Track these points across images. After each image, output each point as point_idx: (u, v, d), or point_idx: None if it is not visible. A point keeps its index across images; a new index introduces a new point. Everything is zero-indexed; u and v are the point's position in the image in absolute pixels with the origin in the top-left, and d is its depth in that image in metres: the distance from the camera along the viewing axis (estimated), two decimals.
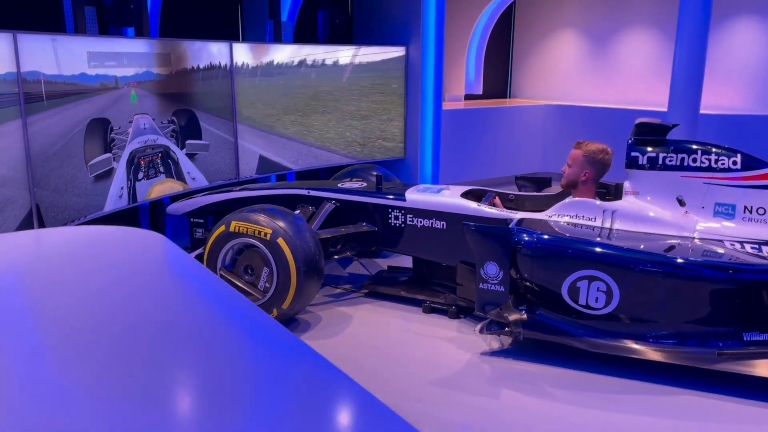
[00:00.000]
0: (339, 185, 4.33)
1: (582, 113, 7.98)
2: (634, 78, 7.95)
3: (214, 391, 1.07)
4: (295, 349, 1.25)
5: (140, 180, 4.70)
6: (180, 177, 5.09)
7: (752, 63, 6.80)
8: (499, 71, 9.26)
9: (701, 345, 3.03)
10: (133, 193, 4.65)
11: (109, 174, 4.43)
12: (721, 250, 3.18)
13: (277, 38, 6.13)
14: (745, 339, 3.00)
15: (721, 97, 6.52)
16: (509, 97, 9.41)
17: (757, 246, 3.19)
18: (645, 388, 3.04)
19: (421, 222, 3.88)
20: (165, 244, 1.90)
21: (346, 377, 1.14)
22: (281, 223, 3.58)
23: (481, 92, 8.71)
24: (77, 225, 4.09)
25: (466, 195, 3.90)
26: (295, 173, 6.38)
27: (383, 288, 4.15)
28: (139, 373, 1.12)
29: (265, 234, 3.55)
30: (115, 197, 4.49)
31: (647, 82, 7.78)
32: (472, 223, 3.36)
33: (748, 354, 2.98)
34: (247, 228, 3.61)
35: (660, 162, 3.42)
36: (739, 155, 3.32)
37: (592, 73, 8.42)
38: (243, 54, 5.43)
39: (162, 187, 4.91)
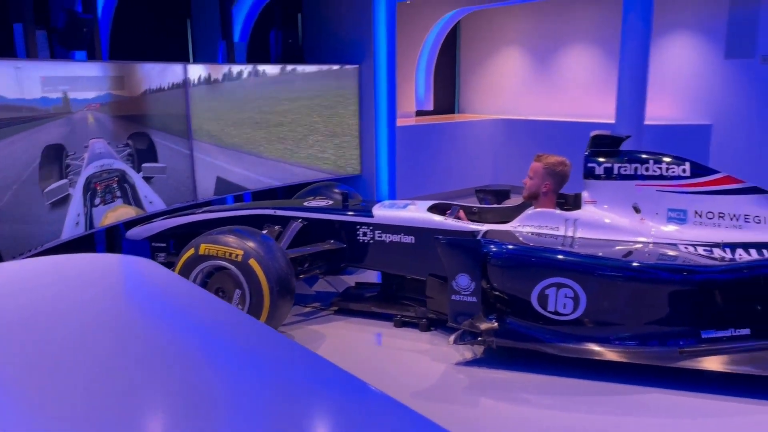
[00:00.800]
0: (305, 204, 4.35)
1: (529, 126, 8.26)
2: (576, 91, 8.30)
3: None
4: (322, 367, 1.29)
5: (97, 206, 4.59)
6: (137, 201, 4.99)
7: (685, 75, 7.22)
8: (446, 88, 9.47)
9: (663, 344, 3.19)
10: (90, 220, 4.53)
11: (65, 201, 4.31)
12: (675, 254, 3.37)
13: (231, 59, 6.12)
14: (702, 337, 3.17)
15: (659, 108, 6.88)
16: (457, 113, 9.63)
17: (708, 248, 3.39)
18: (613, 388, 3.17)
19: (389, 237, 3.94)
20: (159, 269, 1.89)
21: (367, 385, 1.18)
22: (252, 244, 3.57)
23: (431, 108, 8.89)
24: (34, 254, 3.96)
25: (431, 209, 3.99)
26: (251, 194, 6.35)
27: (353, 304, 4.18)
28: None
29: (236, 255, 3.53)
30: (72, 224, 4.37)
31: (589, 96, 8.13)
32: (442, 237, 3.45)
33: (706, 351, 3.15)
34: (218, 250, 3.59)
35: (615, 172, 3.60)
36: (687, 163, 3.54)
37: (536, 88, 8.74)
38: (197, 75, 5.39)
39: (115, 213, 4.80)
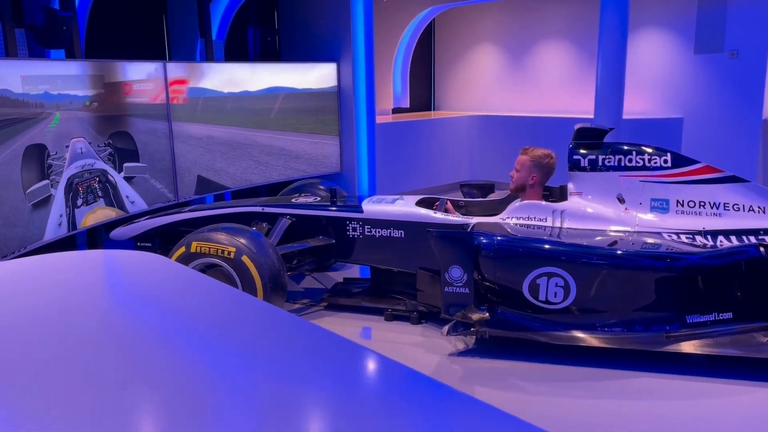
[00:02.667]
0: (293, 200, 4.35)
1: (505, 122, 8.38)
2: (551, 87, 8.44)
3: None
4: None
5: (79, 206, 4.53)
6: (119, 201, 4.93)
7: (656, 70, 7.41)
8: (422, 85, 9.54)
9: (650, 330, 3.29)
10: (72, 220, 4.47)
11: (47, 201, 4.24)
12: (659, 242, 3.48)
13: (209, 57, 6.08)
14: (688, 321, 3.28)
15: (632, 102, 7.05)
16: (434, 110, 9.71)
17: (691, 236, 3.51)
18: (603, 373, 3.26)
19: (379, 232, 3.97)
20: (172, 265, 1.89)
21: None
22: (243, 241, 3.57)
23: (408, 105, 8.94)
24: (17, 256, 3.89)
25: (420, 203, 4.04)
26: (231, 192, 6.32)
27: (343, 299, 4.20)
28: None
29: (229, 252, 3.53)
30: (54, 225, 4.30)
31: (564, 91, 8.28)
32: (434, 230, 3.49)
33: (691, 335, 3.26)
34: (209, 248, 3.58)
35: (600, 164, 3.69)
36: (668, 154, 3.65)
37: (511, 84, 8.86)
38: (176, 73, 5.35)
39: (94, 215, 4.74)
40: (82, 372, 1.20)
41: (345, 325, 3.97)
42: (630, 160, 3.67)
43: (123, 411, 1.07)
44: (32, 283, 1.75)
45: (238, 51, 6.59)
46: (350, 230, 4.05)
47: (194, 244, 3.63)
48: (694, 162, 3.65)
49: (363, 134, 6.82)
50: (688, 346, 3.25)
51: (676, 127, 7.15)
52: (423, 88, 9.58)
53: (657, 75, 7.39)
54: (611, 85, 5.08)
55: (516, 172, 3.90)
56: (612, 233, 3.59)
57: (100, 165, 4.73)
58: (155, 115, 5.20)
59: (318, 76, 6.56)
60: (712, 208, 3.57)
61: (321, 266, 4.59)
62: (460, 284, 3.41)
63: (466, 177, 8.39)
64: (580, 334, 3.31)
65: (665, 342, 3.25)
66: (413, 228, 3.86)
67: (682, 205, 3.61)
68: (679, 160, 3.65)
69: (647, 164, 3.65)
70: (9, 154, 3.90)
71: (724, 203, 3.55)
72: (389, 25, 8.49)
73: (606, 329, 3.31)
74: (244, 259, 3.50)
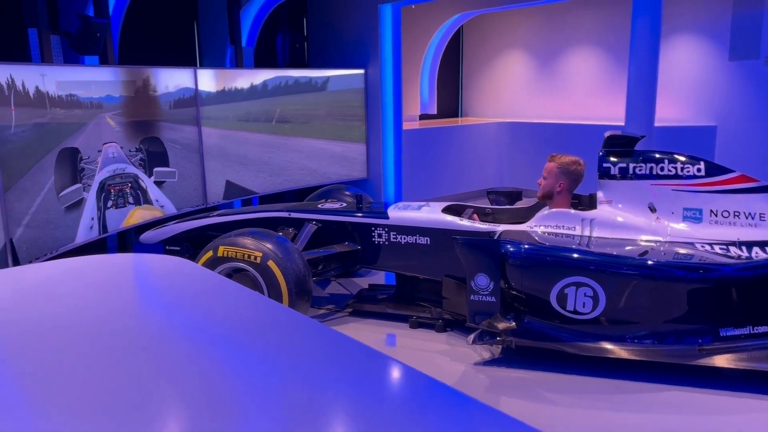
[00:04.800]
0: (319, 206, 4.36)
1: (532, 129, 8.30)
2: (580, 94, 8.34)
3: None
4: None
5: (109, 209, 4.60)
6: (147, 205, 5.00)
7: (689, 77, 7.27)
8: (450, 91, 9.51)
9: (682, 342, 3.21)
10: (103, 224, 4.54)
11: (79, 205, 4.32)
12: (692, 252, 3.40)
13: (239, 63, 6.14)
14: (721, 335, 3.20)
15: (664, 110, 6.92)
16: (461, 116, 9.67)
17: (725, 246, 3.42)
18: (632, 386, 3.19)
19: (405, 239, 3.95)
20: (181, 263, 1.92)
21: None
22: (270, 246, 3.59)
23: (435, 112, 8.92)
24: (50, 258, 3.97)
25: (446, 210, 4.01)
26: (258, 197, 6.37)
27: (368, 306, 4.19)
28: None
29: (255, 257, 3.55)
30: (86, 228, 4.38)
31: (594, 98, 8.18)
32: (460, 237, 3.46)
33: (725, 349, 3.18)
34: (236, 252, 3.60)
35: (631, 172, 3.63)
36: (702, 163, 3.57)
37: (540, 91, 8.78)
38: (207, 79, 5.42)
39: (142, 212, 4.84)
40: (109, 373, 1.22)
41: (369, 332, 3.95)
42: (662, 169, 3.60)
43: (149, 412, 1.08)
44: (63, 285, 1.78)
45: (267, 58, 6.65)
46: (376, 236, 4.04)
47: (221, 248, 3.65)
48: (729, 171, 3.56)
49: (390, 140, 6.82)
50: (722, 360, 3.17)
51: (710, 136, 7.00)
52: (450, 95, 9.55)
53: (690, 82, 7.26)
54: (643, 91, 4.99)
55: (543, 180, 3.85)
56: (643, 243, 3.52)
57: (132, 169, 4.80)
58: (185, 121, 5.26)
59: (346, 82, 6.58)
60: (747, 218, 3.48)
61: (346, 272, 4.58)
62: (486, 292, 3.38)
63: (493, 184, 8.33)
64: (609, 346, 3.24)
65: (698, 355, 3.17)
66: (439, 235, 3.83)
67: (716, 215, 3.52)
68: (714, 169, 3.57)
69: (680, 173, 3.57)
70: (43, 158, 3.97)
71: (760, 213, 3.46)
72: (417, 31, 8.49)
73: (636, 341, 3.24)
74: (270, 264, 3.51)
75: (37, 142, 3.92)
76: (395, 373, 1.30)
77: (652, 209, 3.61)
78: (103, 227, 4.53)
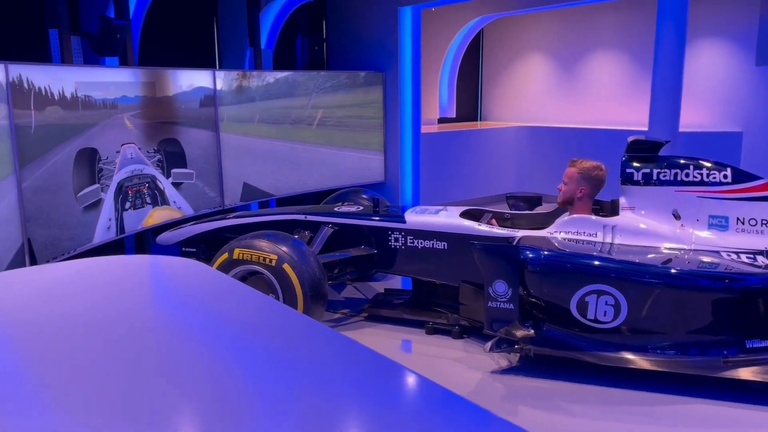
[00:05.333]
0: (335, 209, 4.32)
1: (553, 133, 8.20)
2: (603, 98, 8.22)
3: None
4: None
5: (127, 210, 4.61)
6: (166, 206, 5.00)
7: (715, 82, 7.13)
8: (469, 95, 9.44)
9: (706, 354, 3.12)
10: (120, 224, 4.55)
11: (97, 205, 4.33)
12: (717, 261, 3.30)
13: (258, 65, 6.14)
14: (747, 346, 3.10)
15: (689, 115, 6.79)
16: (480, 120, 9.59)
17: (752, 255, 3.32)
18: (653, 398, 3.10)
19: (422, 243, 3.90)
20: (196, 266, 1.89)
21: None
22: (285, 249, 3.56)
23: (454, 115, 8.86)
24: (67, 258, 3.98)
25: (464, 215, 3.95)
26: (276, 200, 6.35)
27: (383, 311, 4.14)
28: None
29: (270, 260, 3.52)
30: (103, 228, 4.39)
31: (616, 102, 8.05)
32: (478, 243, 3.40)
33: (751, 361, 3.08)
34: (251, 255, 3.57)
35: (654, 178, 3.53)
36: (729, 169, 3.46)
37: (561, 95, 8.67)
38: (225, 81, 5.42)
39: (161, 213, 4.85)
40: (122, 374, 1.22)
41: (385, 338, 3.90)
42: (687, 175, 3.50)
43: (160, 414, 1.08)
44: (79, 285, 1.77)
45: (286, 60, 6.64)
46: (392, 240, 3.99)
47: (237, 250, 3.63)
48: (757, 178, 3.45)
49: (408, 144, 6.77)
50: (747, 373, 3.07)
51: (735, 142, 6.85)
52: (470, 98, 9.48)
53: (715, 87, 7.11)
54: (667, 96, 4.88)
55: (564, 185, 3.78)
56: (666, 251, 3.43)
57: (150, 171, 4.81)
58: (204, 123, 5.27)
59: (364, 84, 6.55)
60: None
61: (362, 276, 4.54)
62: (504, 299, 3.31)
63: (513, 189, 8.24)
64: (630, 356, 3.16)
65: (722, 367, 3.07)
66: (457, 240, 3.77)
67: (743, 223, 3.42)
68: (741, 176, 3.46)
69: (705, 179, 3.47)
70: (62, 158, 3.99)
71: None
72: (437, 34, 8.44)
73: (658, 352, 3.15)
74: (285, 267, 3.48)
75: (56, 142, 3.94)
76: (408, 383, 1.27)
77: (677, 216, 3.51)
78: (121, 228, 4.54)
